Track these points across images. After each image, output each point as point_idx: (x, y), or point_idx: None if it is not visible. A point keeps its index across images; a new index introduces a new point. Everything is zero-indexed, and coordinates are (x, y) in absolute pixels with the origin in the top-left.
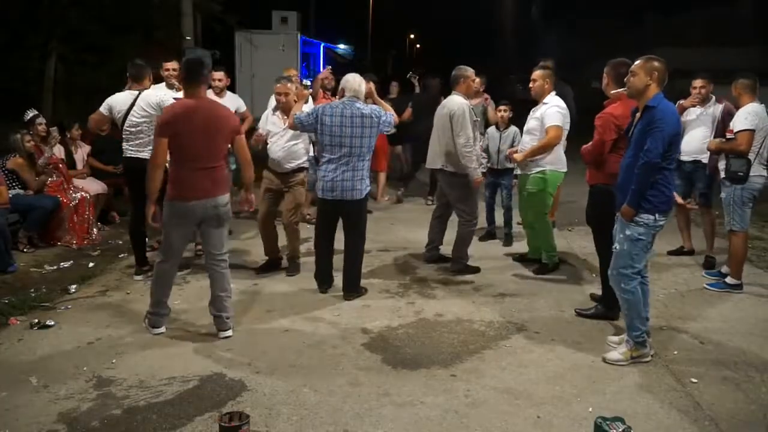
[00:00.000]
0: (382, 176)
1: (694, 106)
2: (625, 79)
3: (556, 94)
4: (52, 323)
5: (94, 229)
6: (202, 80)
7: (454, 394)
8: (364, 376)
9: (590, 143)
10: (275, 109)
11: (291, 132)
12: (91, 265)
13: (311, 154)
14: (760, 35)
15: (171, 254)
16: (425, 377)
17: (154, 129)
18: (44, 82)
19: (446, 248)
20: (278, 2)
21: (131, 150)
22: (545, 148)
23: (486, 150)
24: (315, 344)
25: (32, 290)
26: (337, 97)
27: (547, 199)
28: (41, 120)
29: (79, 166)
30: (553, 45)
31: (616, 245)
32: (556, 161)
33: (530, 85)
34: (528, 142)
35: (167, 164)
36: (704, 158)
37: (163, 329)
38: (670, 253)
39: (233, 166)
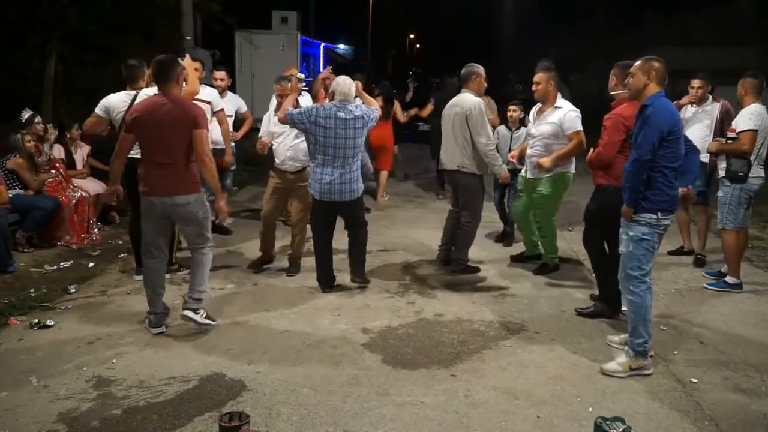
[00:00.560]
0: (384, 175)
1: (691, 104)
2: (625, 81)
3: None
4: (52, 323)
5: (95, 229)
6: (172, 79)
7: (454, 394)
8: (364, 376)
9: (594, 150)
10: (276, 110)
11: (295, 130)
12: (91, 265)
13: None
14: (760, 35)
15: (148, 248)
16: (425, 377)
17: None
18: (44, 83)
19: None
20: (278, 2)
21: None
22: (572, 154)
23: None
24: (315, 344)
25: (32, 290)
26: (327, 99)
27: (558, 202)
28: (39, 119)
29: (79, 166)
30: (553, 45)
31: (622, 247)
32: (567, 163)
33: (533, 88)
34: (543, 146)
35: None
36: (703, 157)
37: (162, 329)
38: (670, 253)
39: (233, 167)
